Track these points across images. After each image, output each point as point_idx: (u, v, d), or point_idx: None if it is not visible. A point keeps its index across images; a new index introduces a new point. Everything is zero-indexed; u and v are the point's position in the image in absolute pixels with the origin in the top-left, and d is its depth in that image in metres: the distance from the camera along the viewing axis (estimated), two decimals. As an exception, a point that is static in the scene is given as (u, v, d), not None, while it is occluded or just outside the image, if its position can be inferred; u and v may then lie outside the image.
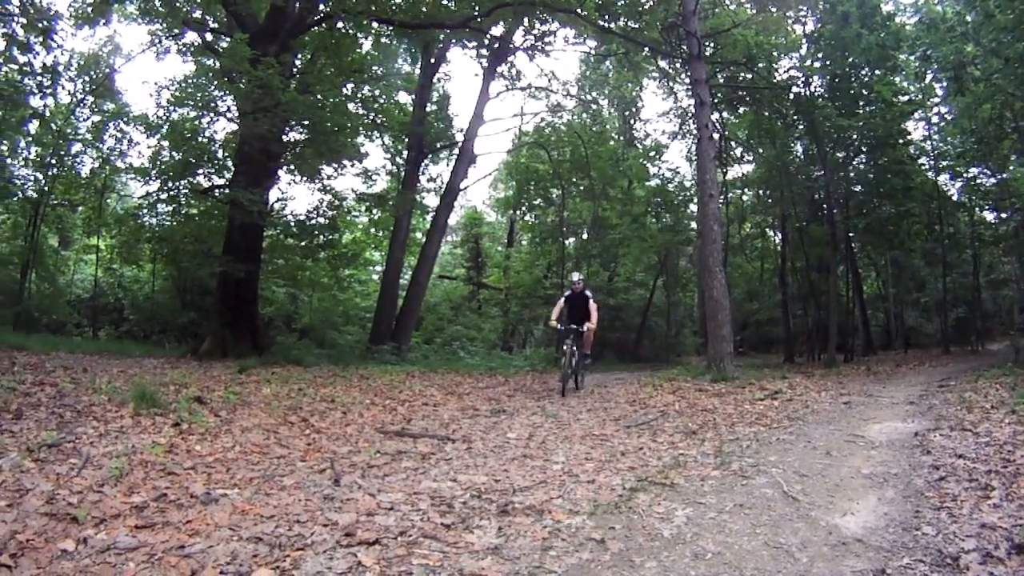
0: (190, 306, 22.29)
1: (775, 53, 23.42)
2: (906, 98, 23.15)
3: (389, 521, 4.05)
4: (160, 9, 17.45)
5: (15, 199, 22.96)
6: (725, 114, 26.16)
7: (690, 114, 26.11)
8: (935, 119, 27.10)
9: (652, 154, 30.20)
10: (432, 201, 25.95)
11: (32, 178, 23.38)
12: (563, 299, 12.89)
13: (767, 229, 33.90)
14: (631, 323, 28.97)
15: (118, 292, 26.06)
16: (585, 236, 31.57)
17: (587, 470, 5.56)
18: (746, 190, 32.88)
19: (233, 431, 6.70)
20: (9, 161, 22.45)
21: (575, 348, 12.23)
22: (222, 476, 5.10)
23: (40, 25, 16.91)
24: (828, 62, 22.14)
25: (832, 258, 24.44)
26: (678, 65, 24.07)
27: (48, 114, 22.32)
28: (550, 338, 27.97)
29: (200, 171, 17.65)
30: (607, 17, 19.47)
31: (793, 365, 23.10)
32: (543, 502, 4.52)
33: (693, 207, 28.45)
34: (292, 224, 19.69)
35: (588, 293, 12.81)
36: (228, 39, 16.73)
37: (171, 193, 17.86)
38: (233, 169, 16.85)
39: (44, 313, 22.84)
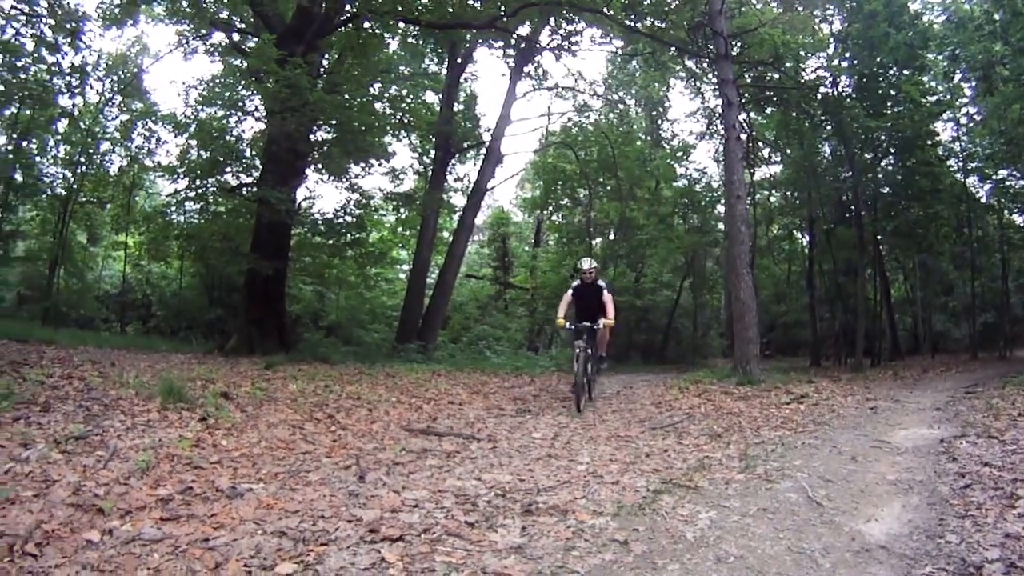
0: (217, 303, 22.48)
1: (802, 53, 23.22)
2: (934, 98, 22.81)
3: (413, 518, 4.06)
4: (187, 10, 17.62)
5: (44, 196, 23.28)
6: (752, 114, 25.94)
7: (717, 114, 25.90)
8: (964, 120, 26.69)
9: (679, 154, 30.07)
10: (459, 201, 26.01)
11: (61, 176, 23.78)
12: (570, 291, 10.81)
13: (795, 231, 33.61)
14: (657, 324, 28.89)
15: (146, 288, 26.34)
16: (612, 236, 31.46)
17: (611, 471, 5.54)
18: (774, 191, 32.62)
19: (259, 426, 6.76)
20: (38, 159, 22.78)
21: (588, 350, 10.13)
22: (247, 471, 5.15)
23: (68, 26, 17.13)
24: (855, 62, 21.93)
25: (860, 261, 24.22)
26: (705, 65, 23.93)
27: (77, 113, 22.61)
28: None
29: (228, 169, 17.84)
30: (633, 17, 19.40)
31: (820, 369, 22.93)
32: (567, 502, 4.51)
33: (720, 208, 28.28)
34: (320, 222, 19.86)
35: (602, 283, 10.82)
36: (255, 39, 16.87)
37: (199, 191, 18.09)
38: (261, 168, 16.99)
39: (72, 308, 23.13)
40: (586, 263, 11.04)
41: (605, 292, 10.70)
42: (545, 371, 17.26)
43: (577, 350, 9.98)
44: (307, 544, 3.58)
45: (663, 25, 19.66)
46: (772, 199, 33.21)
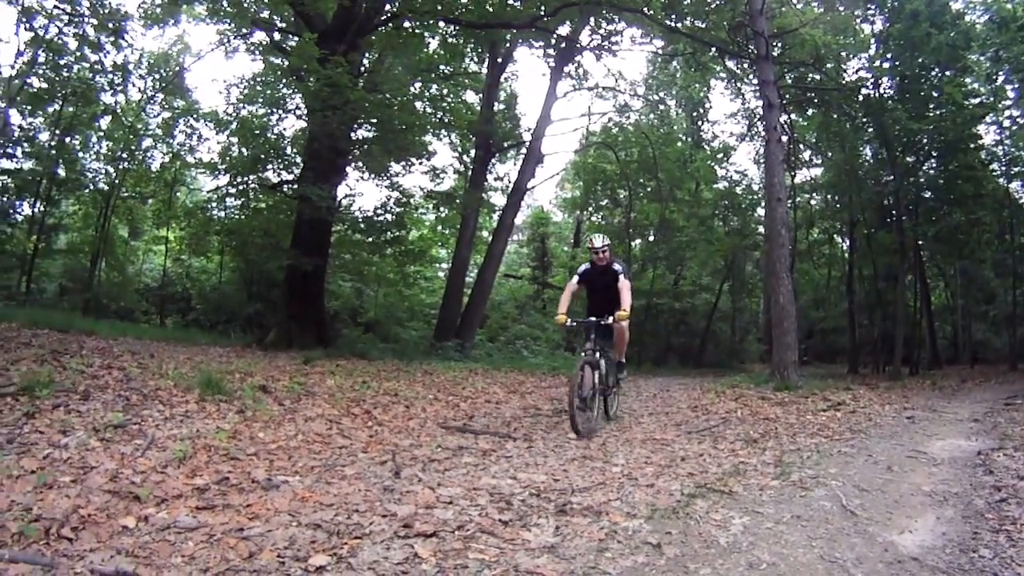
0: (256, 297, 22.71)
1: (843, 53, 22.97)
2: (977, 101, 22.28)
3: (447, 515, 4.08)
4: (228, 9, 17.82)
5: (87, 191, 23.71)
6: (794, 116, 25.70)
7: (758, 116, 25.71)
8: (1007, 123, 26.24)
9: (720, 156, 29.93)
10: (499, 200, 26.11)
11: (103, 171, 24.20)
12: (576, 278, 8.77)
13: (835, 235, 33.22)
14: (696, 327, 28.76)
15: (186, 282, 26.76)
16: (652, 238, 31.36)
17: (646, 474, 5.52)
18: (814, 195, 32.28)
19: (296, 420, 6.84)
20: (81, 155, 23.21)
21: (598, 354, 8.08)
22: (284, 463, 5.22)
23: (110, 25, 17.46)
24: (897, 63, 21.56)
25: (900, 267, 23.90)
26: (745, 66, 23.77)
27: (119, 110, 22.96)
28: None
29: (269, 166, 18.00)
30: (673, 16, 19.35)
31: (857, 376, 22.63)
32: (601, 503, 4.50)
33: (761, 211, 28.01)
34: (360, 220, 20.04)
35: (618, 267, 8.45)
36: (296, 39, 17.01)
37: (240, 187, 18.29)
38: (302, 165, 17.17)
39: (113, 300, 23.54)
40: (598, 239, 8.56)
41: (622, 278, 8.33)
42: (583, 373, 17.19)
43: (585, 354, 7.96)
44: (341, 537, 3.61)
45: (703, 25, 19.61)
46: (813, 202, 32.84)
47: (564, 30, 22.02)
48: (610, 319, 8.08)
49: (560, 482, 5.10)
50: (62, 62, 19.91)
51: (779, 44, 20.95)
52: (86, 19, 18.22)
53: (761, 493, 5.01)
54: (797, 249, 28.36)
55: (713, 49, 20.96)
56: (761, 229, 27.68)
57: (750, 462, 6.16)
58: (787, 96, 22.81)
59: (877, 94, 22.87)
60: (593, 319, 8.30)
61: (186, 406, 6.51)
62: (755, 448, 6.96)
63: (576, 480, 5.19)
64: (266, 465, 5.09)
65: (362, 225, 20.00)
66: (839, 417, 9.64)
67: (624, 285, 8.31)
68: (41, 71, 19.96)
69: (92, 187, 23.74)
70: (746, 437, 7.64)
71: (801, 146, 27.58)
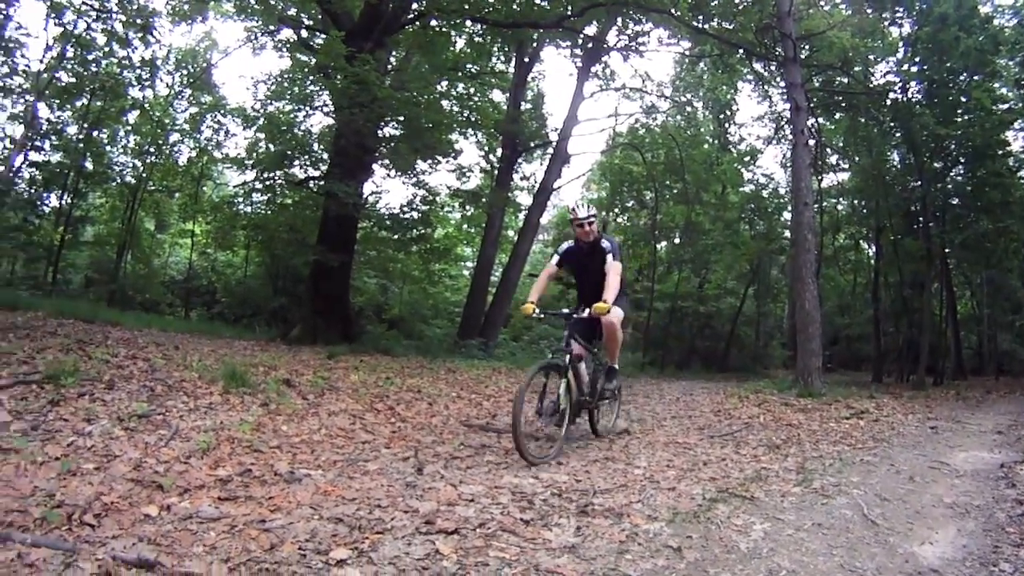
0: (281, 292, 22.85)
1: (871, 57, 22.79)
2: (1006, 106, 21.96)
3: (469, 512, 4.10)
4: (255, 7, 18.00)
5: (114, 184, 23.97)
6: (821, 119, 25.52)
7: (785, 119, 25.56)
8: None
9: (747, 159, 29.78)
10: (525, 200, 26.16)
11: (131, 165, 24.46)
12: (556, 257, 7.23)
13: (861, 241, 32.96)
14: (720, 331, 28.60)
15: (211, 275, 27.00)
16: (677, 240, 31.24)
17: (668, 477, 5.52)
18: (841, 199, 32.02)
19: (320, 414, 6.89)
20: (109, 148, 23.46)
21: (581, 355, 6.77)
22: (306, 457, 5.27)
23: (138, 22, 17.66)
24: (925, 67, 21.31)
25: (927, 274, 23.70)
26: (773, 68, 23.66)
27: (147, 105, 23.18)
28: (636, 341, 27.69)
29: (296, 162, 18.10)
30: (700, 18, 19.30)
31: (881, 385, 22.42)
32: (622, 505, 4.50)
33: (787, 215, 27.86)
34: (386, 217, 20.06)
35: (606, 243, 6.87)
36: (323, 36, 17.10)
37: (267, 183, 18.39)
38: (328, 161, 17.26)
39: (138, 292, 23.78)
40: (581, 208, 6.89)
41: (610, 258, 6.74)
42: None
43: (564, 357, 6.45)
44: (362, 531, 3.64)
45: (730, 27, 19.53)
46: (839, 207, 32.59)
47: (591, 30, 22.02)
48: (586, 312, 6.51)
49: (582, 483, 5.10)
50: (90, 57, 20.15)
51: (807, 47, 20.80)
52: (114, 15, 18.43)
53: (783, 500, 4.99)
54: (823, 254, 28.15)
55: (740, 51, 20.84)
56: (787, 233, 27.50)
57: (772, 468, 6.13)
58: (814, 99, 22.66)
59: (905, 98, 22.63)
60: (566, 311, 6.90)
61: (210, 398, 6.57)
62: (777, 454, 6.93)
63: (598, 481, 5.19)
64: (289, 458, 5.15)
65: (388, 222, 20.04)
66: (862, 425, 9.58)
67: (612, 268, 6.67)
68: (69, 66, 20.24)
69: (119, 180, 24.01)
70: (768, 443, 7.60)
71: (828, 150, 27.36)
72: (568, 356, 6.48)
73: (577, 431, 7.36)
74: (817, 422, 9.67)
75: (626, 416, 9.19)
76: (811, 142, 19.79)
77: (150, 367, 7.59)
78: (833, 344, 32.15)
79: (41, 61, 19.36)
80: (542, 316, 7.04)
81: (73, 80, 20.13)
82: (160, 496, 3.91)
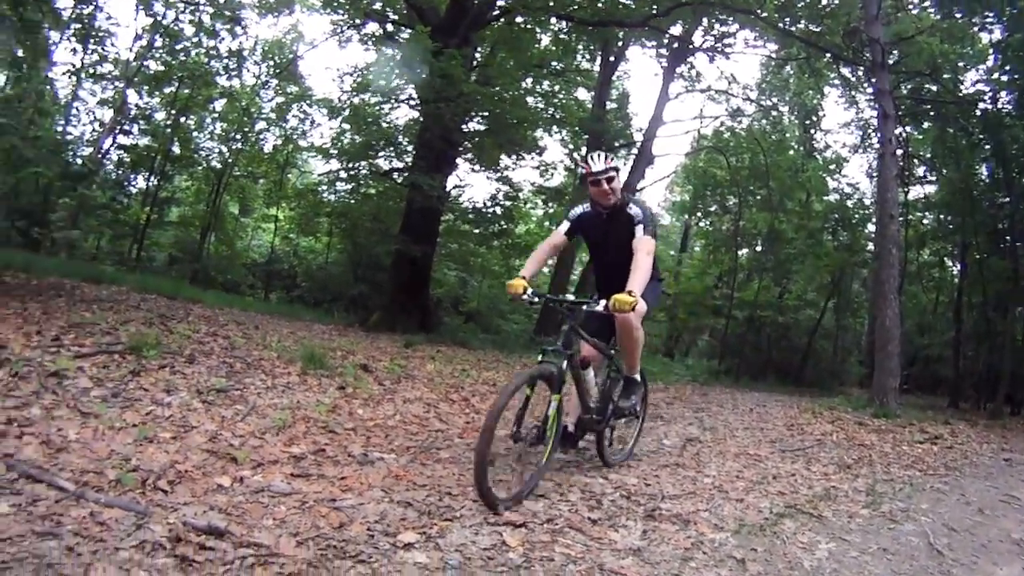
0: (362, 279, 23.01)
1: (961, 64, 22.05)
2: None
3: (537, 507, 4.16)
4: (341, 1, 18.42)
5: (200, 168, 24.62)
6: (908, 129, 24.81)
7: (872, 126, 24.95)
8: None
9: (832, 167, 29.11)
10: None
11: (217, 150, 25.05)
12: (567, 224, 5.42)
13: (946, 258, 31.89)
14: (797, 344, 28.01)
15: (292, 260, 27.47)
16: (759, 248, 30.75)
17: (737, 488, 5.48)
18: (927, 213, 31.02)
19: (395, 400, 7.01)
20: (196, 134, 24.04)
21: (589, 360, 5.19)
22: (380, 440, 5.38)
23: (226, 14, 18.11)
24: (1016, 76, 20.44)
25: (1012, 297, 22.87)
26: (860, 73, 23.12)
27: (234, 94, 23.71)
28: (713, 347, 27.33)
29: (380, 154, 18.32)
30: (787, 20, 18.99)
31: (957, 411, 21.74)
32: (690, 512, 4.51)
33: (871, 227, 27.07)
34: (469, 211, 20.33)
35: (635, 210, 5.08)
36: (408, 31, 17.27)
37: (351, 173, 18.68)
38: (413, 154, 17.43)
39: (220, 272, 24.28)
40: (597, 161, 5.03)
41: (640, 230, 4.98)
42: (679, 380, 17.04)
43: (545, 370, 4.58)
44: (431, 517, 3.72)
45: (817, 29, 19.13)
46: (924, 222, 31.60)
47: (676, 30, 21.83)
48: (599, 305, 4.58)
49: (651, 487, 5.12)
50: (178, 47, 20.72)
51: (895, 52, 20.22)
52: (202, 7, 18.95)
53: (850, 521, 4.94)
54: (906, 270, 27.37)
55: (827, 55, 20.42)
56: (871, 246, 26.83)
57: (841, 488, 6.03)
58: (903, 107, 22.03)
59: (994, 109, 21.74)
60: (571, 298, 5.06)
61: (288, 377, 6.72)
62: (848, 474, 6.79)
63: (667, 487, 5.20)
64: (363, 441, 5.26)
65: (471, 216, 20.27)
66: (935, 451, 9.29)
67: (642, 244, 4.89)
68: (158, 55, 20.85)
69: (205, 165, 24.66)
70: (840, 462, 7.44)
71: (915, 161, 26.59)
72: (566, 360, 4.76)
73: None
74: (890, 444, 9.41)
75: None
76: (898, 152, 19.30)
77: (230, 344, 7.81)
78: (911, 364, 31.17)
79: (130, 50, 20.20)
80: (535, 301, 5.02)
81: (162, 68, 20.71)
82: (233, 468, 4.04)
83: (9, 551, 2.59)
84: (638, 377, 5.65)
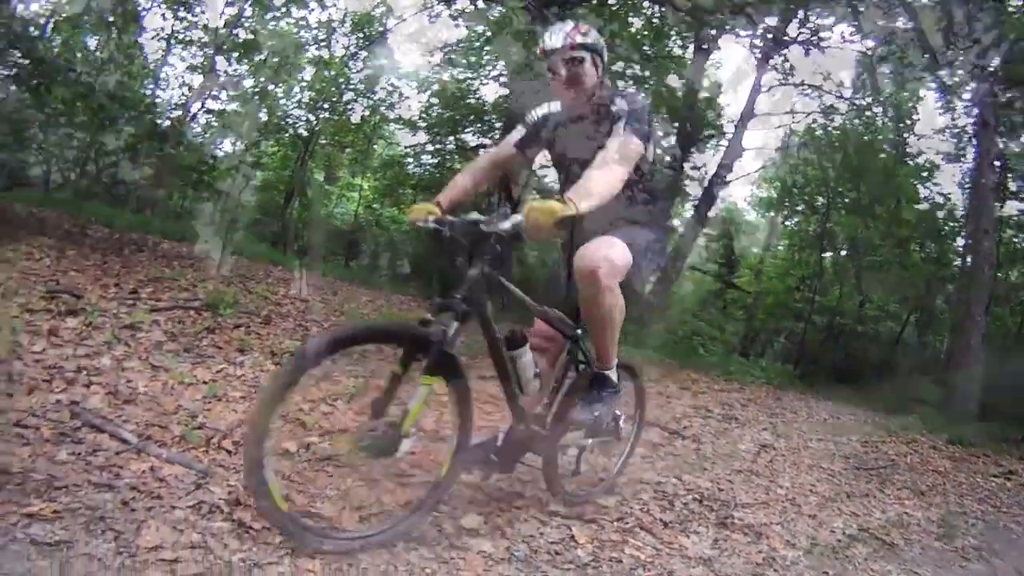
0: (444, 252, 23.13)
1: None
2: None
3: (609, 503, 4.09)
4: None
5: (287, 135, 24.92)
6: (1006, 140, 23.90)
7: (969, 135, 24.12)
8: None
9: (924, 174, 28.22)
10: (694, 190, 25.67)
11: (304, 119, 25.30)
12: (519, 132, 3.84)
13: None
14: (876, 356, 27.40)
15: (375, 229, 27.69)
16: (844, 252, 29.98)
17: (810, 503, 5.36)
18: (1020, 232, 29.81)
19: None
20: (284, 102, 24.40)
21: (526, 337, 3.47)
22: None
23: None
24: None
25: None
26: (957, 77, 22.33)
27: (323, 64, 23.97)
28: (789, 351, 26.88)
29: (468, 129, 18.33)
30: (886, 16, 18.44)
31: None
32: (762, 524, 4.41)
33: (961, 240, 26.23)
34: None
35: (619, 103, 3.29)
36: (499, 8, 17.24)
37: (438, 147, 18.72)
38: (502, 130, 17.43)
39: (301, 237, 24.61)
40: (556, 35, 3.32)
41: (620, 128, 3.22)
42: (755, 381, 16.71)
43: (412, 331, 2.97)
44: (500, 504, 3.69)
45: (917, 29, 18.53)
46: (1016, 240, 30.36)
47: (771, 20, 21.34)
48: (506, 221, 2.91)
49: (724, 492, 5.02)
50: (267, 16, 21.03)
51: (997, 58, 19.41)
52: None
53: (922, 553, 4.78)
54: (995, 291, 26.42)
55: (925, 55, 19.76)
56: (957, 261, 26.02)
57: (915, 516, 5.84)
58: (1003, 117, 21.23)
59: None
60: (474, 216, 3.14)
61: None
62: (921, 501, 6.57)
63: (740, 494, 5.09)
64: (436, 416, 5.00)
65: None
66: (1009, 487, 8.85)
67: (613, 143, 3.21)
68: (247, 23, 21.19)
69: (292, 131, 25.00)
70: (913, 487, 7.19)
71: (1010, 175, 25.62)
72: (457, 322, 3.03)
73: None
74: (964, 474, 9.06)
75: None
76: (996, 163, 18.61)
77: (307, 308, 7.90)
78: (991, 391, 30.19)
79: (220, 16, 20.46)
80: (444, 229, 3.17)
81: (251, 37, 21.06)
82: (301, 433, 4.02)
83: (63, 500, 2.60)
84: (613, 375, 3.58)
